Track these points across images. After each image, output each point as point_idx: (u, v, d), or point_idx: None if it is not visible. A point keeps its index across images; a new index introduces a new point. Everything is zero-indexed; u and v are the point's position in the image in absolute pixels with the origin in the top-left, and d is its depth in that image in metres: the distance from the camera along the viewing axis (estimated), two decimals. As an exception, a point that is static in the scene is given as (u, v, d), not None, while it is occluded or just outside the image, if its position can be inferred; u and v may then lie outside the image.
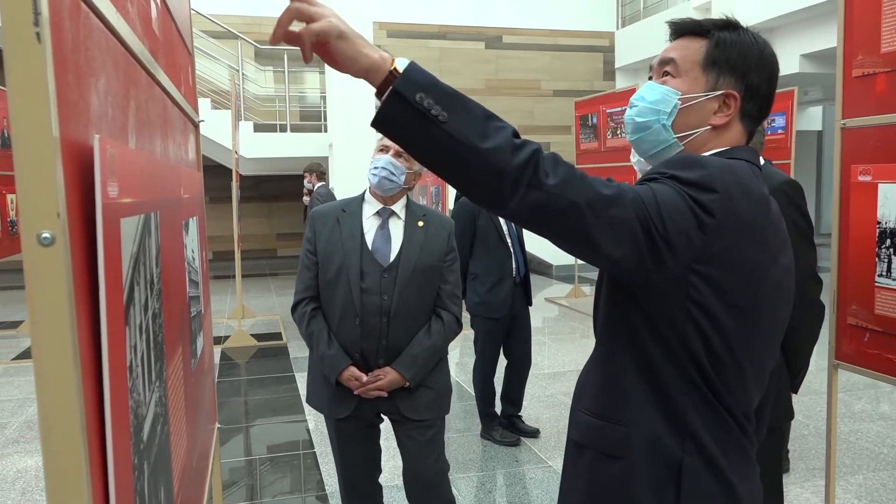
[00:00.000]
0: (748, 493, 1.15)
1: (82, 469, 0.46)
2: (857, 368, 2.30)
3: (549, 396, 4.86)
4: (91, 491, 0.47)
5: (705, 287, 1.05)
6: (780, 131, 7.44)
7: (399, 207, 2.29)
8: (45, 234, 0.45)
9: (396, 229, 2.27)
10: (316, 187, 6.76)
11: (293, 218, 12.17)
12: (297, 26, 0.98)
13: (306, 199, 6.91)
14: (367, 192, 2.31)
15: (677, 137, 1.18)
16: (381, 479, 2.53)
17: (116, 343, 0.57)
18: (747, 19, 7.30)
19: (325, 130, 10.29)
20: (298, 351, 6.29)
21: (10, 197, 6.81)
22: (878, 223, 2.17)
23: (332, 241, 2.24)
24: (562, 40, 12.72)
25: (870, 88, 2.19)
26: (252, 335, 6.73)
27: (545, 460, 3.73)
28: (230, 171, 7.00)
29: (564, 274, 10.48)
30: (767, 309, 1.12)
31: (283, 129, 10.36)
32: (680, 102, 1.17)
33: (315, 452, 3.91)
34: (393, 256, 2.23)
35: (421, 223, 2.28)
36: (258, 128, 9.99)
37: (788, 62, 9.63)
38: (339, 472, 2.42)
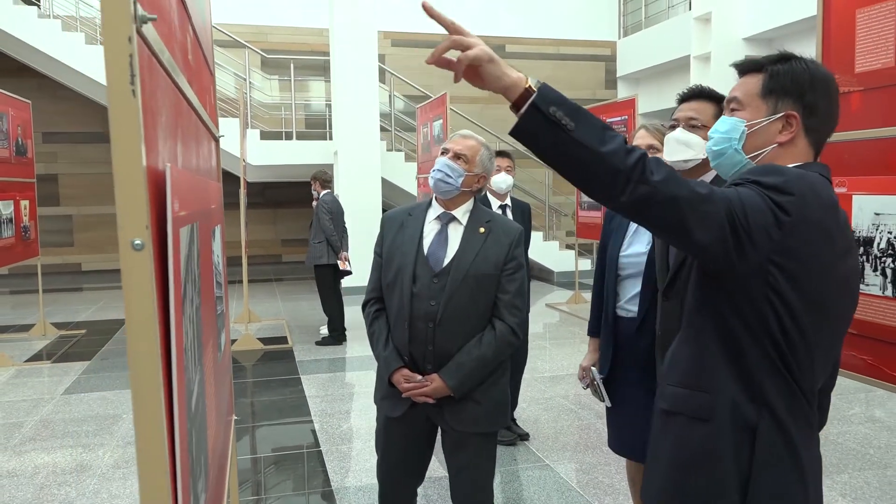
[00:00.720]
0: (810, 459, 1.34)
1: (161, 420, 0.61)
2: (834, 369, 2.43)
3: (548, 399, 4.99)
4: (167, 437, 0.61)
5: (781, 276, 1.23)
6: (777, 141, 7.60)
7: (461, 213, 2.27)
8: (138, 241, 0.60)
9: (455, 235, 2.25)
10: (321, 195, 6.91)
11: (298, 224, 12.32)
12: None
13: (315, 204, 7.09)
14: (434, 196, 2.32)
15: (749, 158, 1.38)
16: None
17: (179, 327, 0.71)
18: (746, 29, 7.52)
19: (330, 138, 10.47)
20: (304, 354, 6.44)
21: (23, 203, 6.97)
22: (853, 232, 2.30)
23: (395, 245, 2.26)
24: (564, 49, 12.89)
25: (845, 106, 2.32)
26: (258, 339, 6.88)
27: (542, 459, 3.86)
28: (236, 177, 7.15)
29: (565, 280, 10.61)
30: (834, 300, 1.30)
31: (288, 136, 10.54)
32: (746, 129, 1.37)
33: (321, 451, 4.05)
34: (446, 262, 2.20)
35: (482, 230, 2.24)
36: (264, 135, 10.17)
37: (787, 72, 9.76)
38: (379, 471, 2.40)
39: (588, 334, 2.72)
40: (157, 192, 0.66)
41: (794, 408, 1.30)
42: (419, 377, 2.21)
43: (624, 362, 2.48)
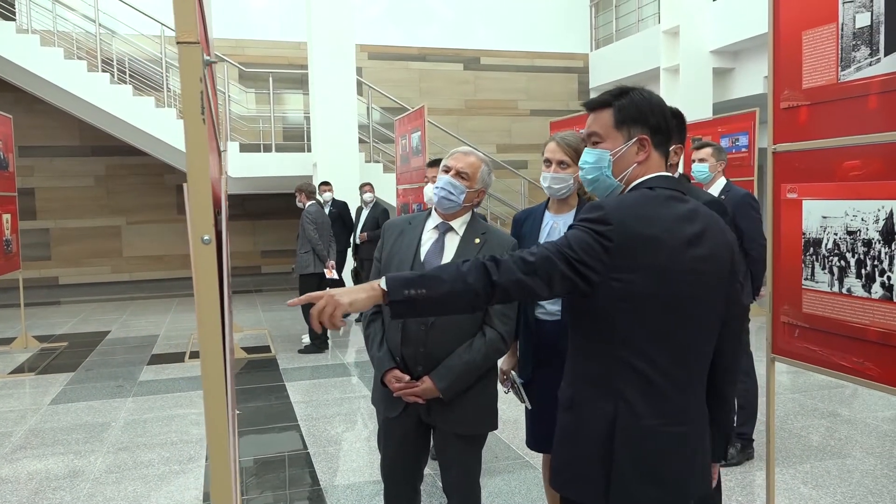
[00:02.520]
0: (674, 435, 1.56)
1: (222, 368, 0.76)
2: (790, 361, 2.63)
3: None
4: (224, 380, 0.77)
5: (621, 286, 1.52)
6: (743, 150, 7.88)
7: (459, 224, 2.40)
8: (206, 237, 0.75)
9: (451, 244, 2.38)
10: (307, 205, 7.08)
11: (277, 235, 12.42)
12: None
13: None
14: (434, 207, 2.45)
15: (618, 180, 1.66)
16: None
17: (227, 301, 0.87)
18: (713, 43, 7.84)
19: (309, 150, 10.59)
20: (287, 362, 6.55)
21: (4, 217, 7.01)
22: (804, 234, 2.52)
23: (393, 251, 2.40)
24: (538, 62, 13.16)
25: (795, 118, 2.55)
26: (242, 348, 6.97)
27: (522, 456, 4.03)
28: (219, 190, 7.25)
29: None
30: (679, 288, 1.54)
31: (267, 149, 10.64)
32: (612, 157, 1.65)
33: (309, 453, 4.18)
34: None
35: (478, 240, 2.37)
36: (243, 148, 10.26)
37: (752, 83, 10.11)
38: (382, 469, 2.51)
39: None
40: (215, 196, 0.82)
41: (649, 394, 1.55)
42: (408, 377, 2.32)
43: (546, 363, 2.53)
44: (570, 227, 1.57)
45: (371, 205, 8.45)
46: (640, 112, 1.63)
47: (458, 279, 1.46)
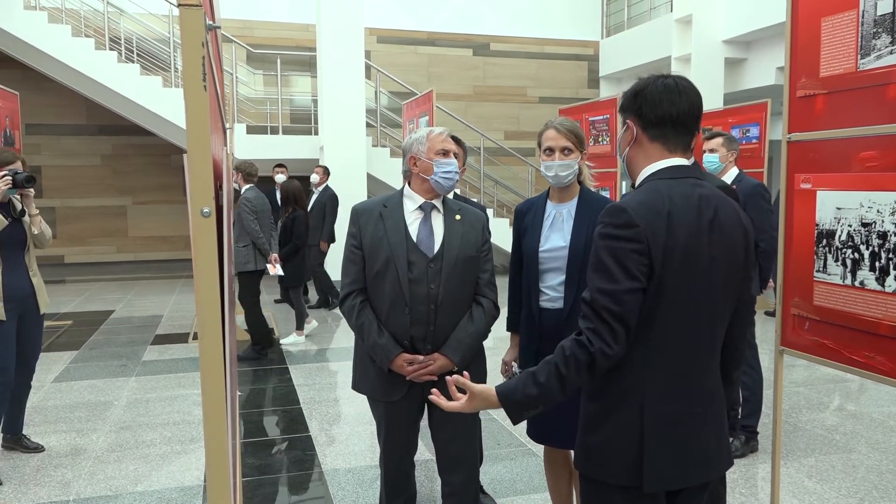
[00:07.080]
0: (695, 411, 1.61)
1: (221, 342, 0.74)
2: (799, 353, 2.60)
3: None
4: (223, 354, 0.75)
5: (653, 282, 1.53)
6: (753, 141, 7.80)
7: (438, 202, 2.43)
8: (206, 209, 0.72)
9: (437, 223, 2.41)
10: (244, 190, 6.16)
11: (283, 218, 12.38)
12: None
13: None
14: (406, 187, 2.44)
15: (624, 163, 1.75)
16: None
17: (226, 271, 0.84)
18: (725, 32, 7.76)
19: (316, 133, 10.55)
20: (291, 345, 6.54)
21: (10, 193, 6.98)
22: (817, 225, 2.47)
23: (378, 236, 2.36)
24: (548, 49, 13.05)
25: (811, 107, 2.49)
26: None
27: (525, 444, 4.01)
28: (226, 171, 7.20)
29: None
30: (698, 274, 1.55)
31: (274, 131, 10.61)
32: (620, 141, 1.75)
33: (311, 436, 4.17)
34: (437, 248, 2.36)
35: (458, 216, 2.43)
36: (250, 129, 10.23)
37: (765, 74, 10.01)
38: (385, 452, 2.51)
39: (508, 330, 2.72)
40: (216, 170, 0.79)
41: (675, 380, 1.58)
42: (421, 358, 2.35)
43: (548, 353, 2.50)
44: (601, 239, 1.56)
45: (321, 189, 7.93)
46: (626, 99, 1.69)
47: (566, 385, 1.53)
